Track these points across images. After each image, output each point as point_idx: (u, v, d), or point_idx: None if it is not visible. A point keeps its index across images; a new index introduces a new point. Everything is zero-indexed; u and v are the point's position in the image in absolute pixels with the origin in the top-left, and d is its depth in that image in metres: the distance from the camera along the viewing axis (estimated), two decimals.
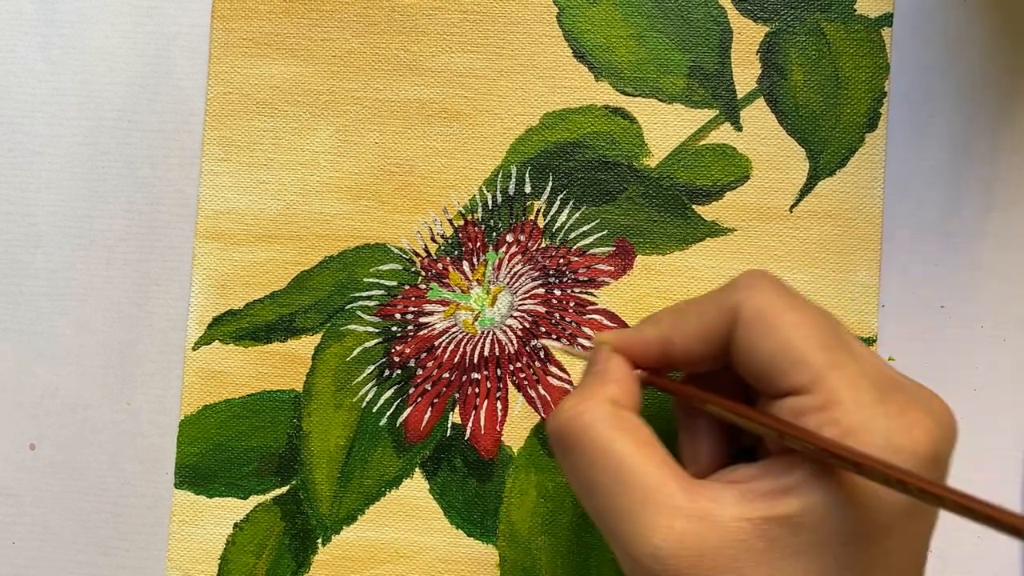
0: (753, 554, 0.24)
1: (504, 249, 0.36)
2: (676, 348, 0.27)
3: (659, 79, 0.36)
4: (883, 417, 0.24)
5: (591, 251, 0.36)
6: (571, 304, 0.36)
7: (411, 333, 0.36)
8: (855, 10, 0.36)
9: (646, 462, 0.25)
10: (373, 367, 0.36)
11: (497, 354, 0.36)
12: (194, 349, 0.36)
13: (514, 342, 0.36)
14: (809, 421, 0.24)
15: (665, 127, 0.36)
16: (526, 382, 0.36)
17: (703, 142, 0.36)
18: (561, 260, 0.36)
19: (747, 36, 0.36)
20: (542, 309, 0.36)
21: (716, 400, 0.27)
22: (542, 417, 0.36)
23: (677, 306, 0.28)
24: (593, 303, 0.36)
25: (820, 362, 0.24)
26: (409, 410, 0.36)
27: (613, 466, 0.25)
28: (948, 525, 0.35)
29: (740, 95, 0.36)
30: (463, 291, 0.36)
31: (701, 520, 0.24)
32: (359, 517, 0.36)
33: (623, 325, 0.36)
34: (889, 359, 0.35)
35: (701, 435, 0.29)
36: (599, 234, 0.36)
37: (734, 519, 0.24)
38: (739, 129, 0.36)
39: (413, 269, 0.36)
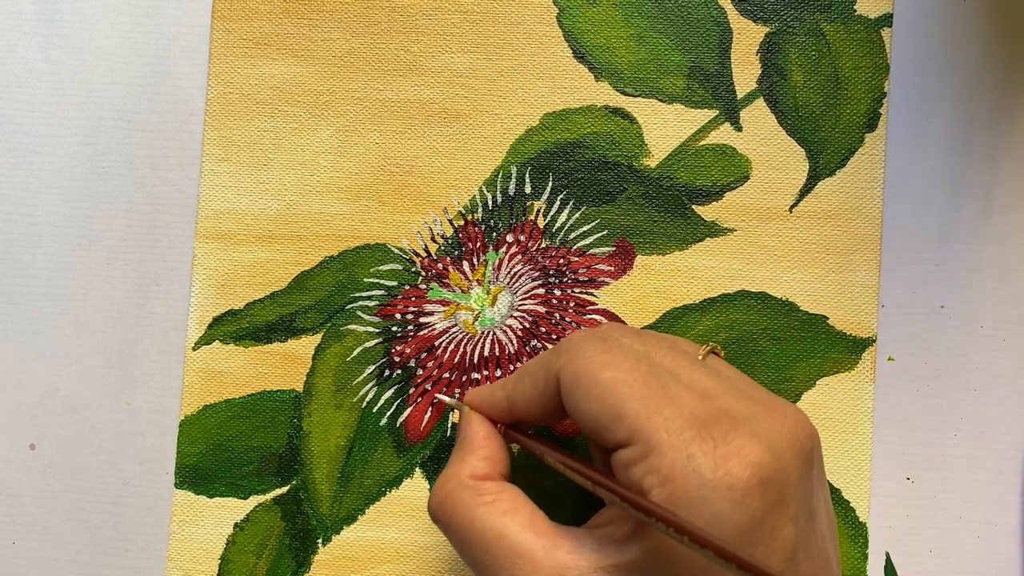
0: None
1: (504, 249, 0.36)
2: (519, 409, 0.29)
3: (659, 79, 0.36)
4: (695, 457, 0.24)
5: (591, 251, 0.36)
6: (571, 304, 0.36)
7: (411, 333, 0.36)
8: (855, 10, 0.36)
9: (508, 529, 0.26)
10: (373, 367, 0.36)
11: (497, 354, 0.36)
12: (194, 349, 0.36)
13: (514, 342, 0.36)
14: (632, 473, 0.25)
15: (665, 127, 0.36)
16: None
17: (703, 142, 0.36)
18: (561, 260, 0.36)
19: (747, 36, 0.36)
20: (542, 309, 0.36)
21: (549, 452, 0.28)
22: None
23: (522, 367, 0.29)
24: (593, 303, 0.36)
25: (635, 412, 0.25)
26: (409, 410, 0.36)
27: (480, 542, 0.26)
28: (948, 525, 0.35)
29: (740, 95, 0.36)
30: (463, 291, 0.36)
31: (560, 575, 0.25)
32: (359, 517, 0.36)
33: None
34: (889, 359, 0.36)
35: None
36: (599, 234, 0.36)
37: (591, 569, 0.25)
38: (739, 129, 0.36)
39: (413, 269, 0.36)
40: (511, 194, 0.36)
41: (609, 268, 0.36)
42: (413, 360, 0.36)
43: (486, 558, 0.26)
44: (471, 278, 0.36)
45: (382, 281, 0.36)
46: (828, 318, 0.35)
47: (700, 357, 0.28)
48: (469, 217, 0.36)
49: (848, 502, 0.35)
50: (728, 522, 0.23)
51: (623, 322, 0.36)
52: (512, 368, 0.36)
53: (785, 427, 0.26)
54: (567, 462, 0.27)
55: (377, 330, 0.36)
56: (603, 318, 0.36)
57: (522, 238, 0.36)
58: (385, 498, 0.36)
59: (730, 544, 0.23)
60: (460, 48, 0.37)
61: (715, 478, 0.24)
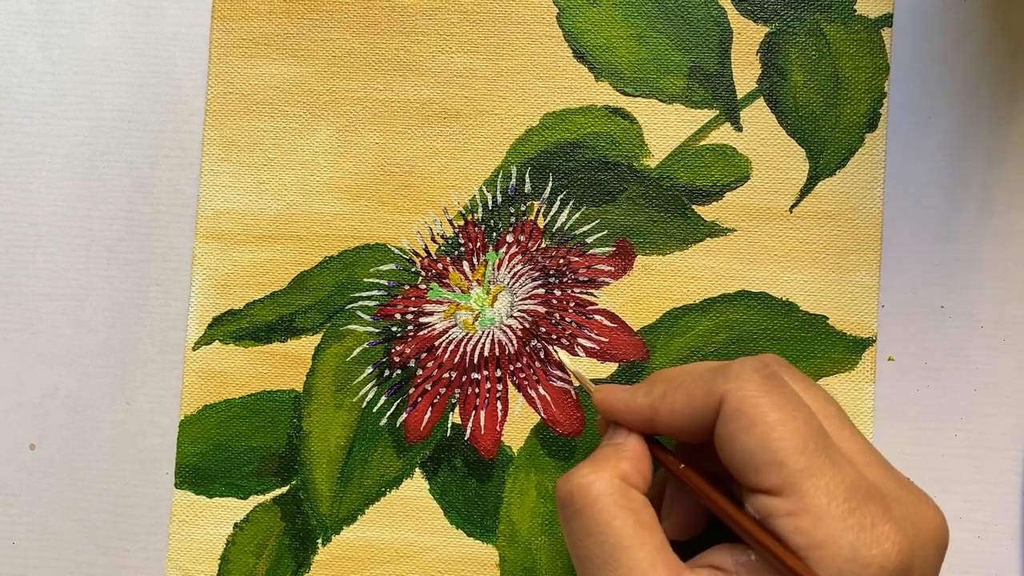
0: None
1: (504, 249, 0.36)
2: (662, 420, 0.28)
3: (659, 79, 0.36)
4: (853, 529, 0.24)
5: (591, 251, 0.36)
6: (571, 304, 0.36)
7: (411, 333, 0.36)
8: (855, 10, 0.36)
9: (642, 546, 0.25)
10: (373, 367, 0.36)
11: (497, 354, 0.36)
12: (194, 349, 0.36)
13: (514, 342, 0.36)
14: (777, 524, 0.25)
15: (665, 127, 0.36)
16: (526, 382, 0.36)
17: (703, 142, 0.36)
18: (561, 260, 0.36)
19: (747, 36, 0.36)
20: (542, 309, 0.36)
21: (696, 481, 0.27)
22: (542, 417, 0.36)
23: (675, 376, 0.28)
24: (593, 303, 0.36)
25: (795, 466, 0.25)
26: (409, 410, 0.36)
27: (610, 543, 0.26)
28: (948, 525, 0.35)
29: (740, 95, 0.36)
30: (463, 291, 0.36)
31: None
32: (359, 517, 0.36)
33: (623, 325, 0.36)
34: (889, 359, 0.35)
35: (683, 496, 0.29)
36: (599, 234, 0.36)
37: None
38: (739, 129, 0.36)
39: (413, 269, 0.36)
40: (511, 194, 0.36)
41: (609, 268, 0.36)
42: (413, 360, 0.36)
43: (609, 562, 0.25)
44: (471, 278, 0.36)
45: (382, 281, 0.36)
46: (828, 318, 0.35)
47: None
48: (469, 217, 0.36)
49: None
50: None
51: (623, 323, 0.36)
52: (512, 368, 0.36)
53: (929, 517, 0.26)
54: (715, 498, 0.27)
55: (377, 330, 0.36)
56: (604, 318, 0.36)
57: (522, 238, 0.36)
58: (385, 498, 0.36)
59: None
60: (460, 48, 0.37)
61: (868, 555, 0.24)
